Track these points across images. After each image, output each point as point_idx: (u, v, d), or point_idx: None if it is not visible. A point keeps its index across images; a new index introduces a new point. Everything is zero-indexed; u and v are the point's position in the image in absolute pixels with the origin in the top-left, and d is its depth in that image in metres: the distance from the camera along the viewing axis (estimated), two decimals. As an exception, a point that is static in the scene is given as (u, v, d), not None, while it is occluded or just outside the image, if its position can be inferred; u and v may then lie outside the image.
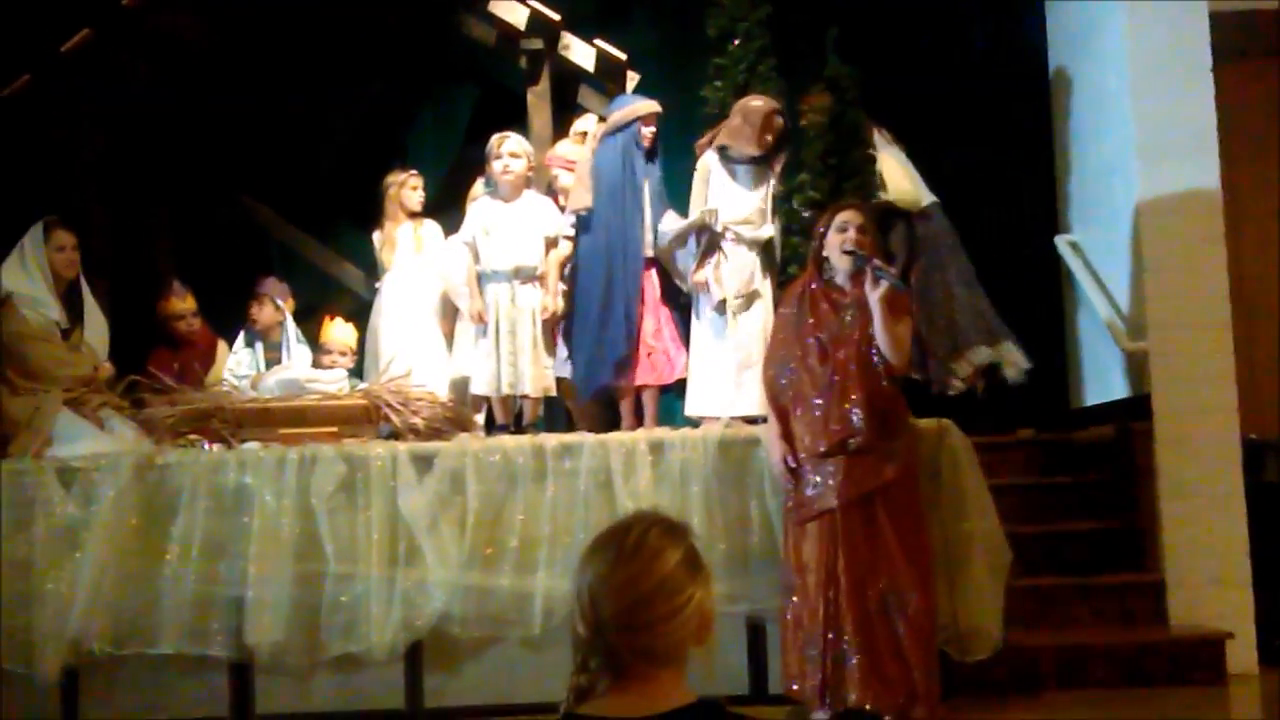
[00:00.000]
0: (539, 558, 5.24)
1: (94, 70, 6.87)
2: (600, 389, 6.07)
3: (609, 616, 2.02)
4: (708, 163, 6.01)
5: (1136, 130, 6.33)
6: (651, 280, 6.11)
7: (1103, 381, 6.90)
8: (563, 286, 6.18)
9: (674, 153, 6.40)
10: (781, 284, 6.17)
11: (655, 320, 6.07)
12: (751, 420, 5.67)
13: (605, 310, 5.94)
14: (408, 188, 6.71)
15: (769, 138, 5.95)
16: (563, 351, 6.19)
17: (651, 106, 6.18)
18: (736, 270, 5.89)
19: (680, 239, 6.03)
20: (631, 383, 6.02)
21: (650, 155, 6.15)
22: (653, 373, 6.06)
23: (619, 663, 2.03)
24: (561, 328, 6.20)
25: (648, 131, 6.12)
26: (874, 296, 4.85)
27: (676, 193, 6.21)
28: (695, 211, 5.97)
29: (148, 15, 6.84)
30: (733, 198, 5.95)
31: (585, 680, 2.06)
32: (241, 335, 6.88)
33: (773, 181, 6.05)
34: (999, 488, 5.47)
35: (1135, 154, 6.34)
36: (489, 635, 5.25)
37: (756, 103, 6.02)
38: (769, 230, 6.02)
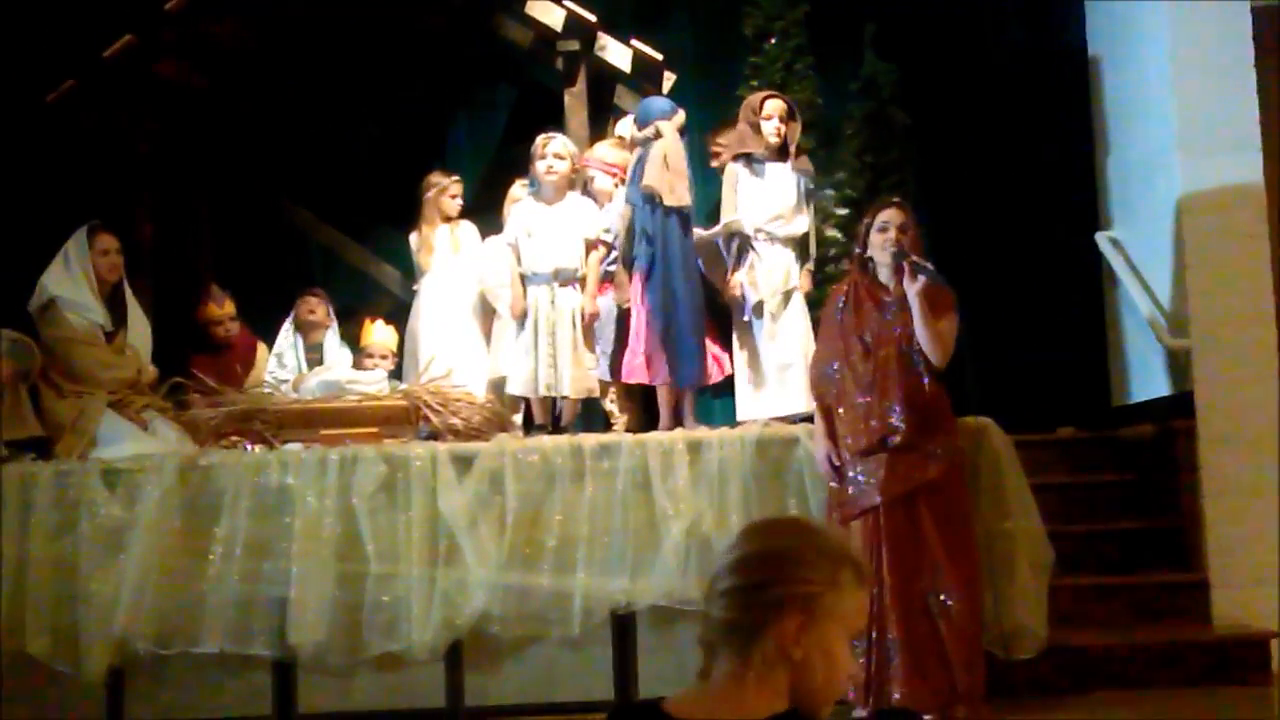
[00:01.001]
0: (578, 557, 5.25)
1: (136, 75, 6.94)
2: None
3: (717, 573, 1.97)
4: (734, 170, 6.01)
5: (1178, 125, 6.28)
6: None
7: (1145, 379, 6.84)
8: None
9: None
10: (819, 282, 6.18)
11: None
12: (793, 420, 5.67)
13: (696, 310, 5.96)
14: (448, 195, 6.74)
15: (774, 124, 5.94)
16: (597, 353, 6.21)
17: None
18: (771, 270, 5.89)
19: (705, 246, 5.98)
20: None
21: None
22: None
23: (711, 638, 1.94)
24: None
25: None
26: (912, 291, 4.85)
27: (715, 195, 6.22)
28: (723, 220, 5.97)
29: (189, 20, 6.90)
30: (763, 199, 5.96)
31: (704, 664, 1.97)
32: (288, 328, 6.88)
33: (800, 174, 6.01)
34: (1040, 486, 5.44)
35: (1177, 149, 6.28)
36: (529, 634, 5.27)
37: (748, 99, 6.12)
38: (803, 224, 6.01)
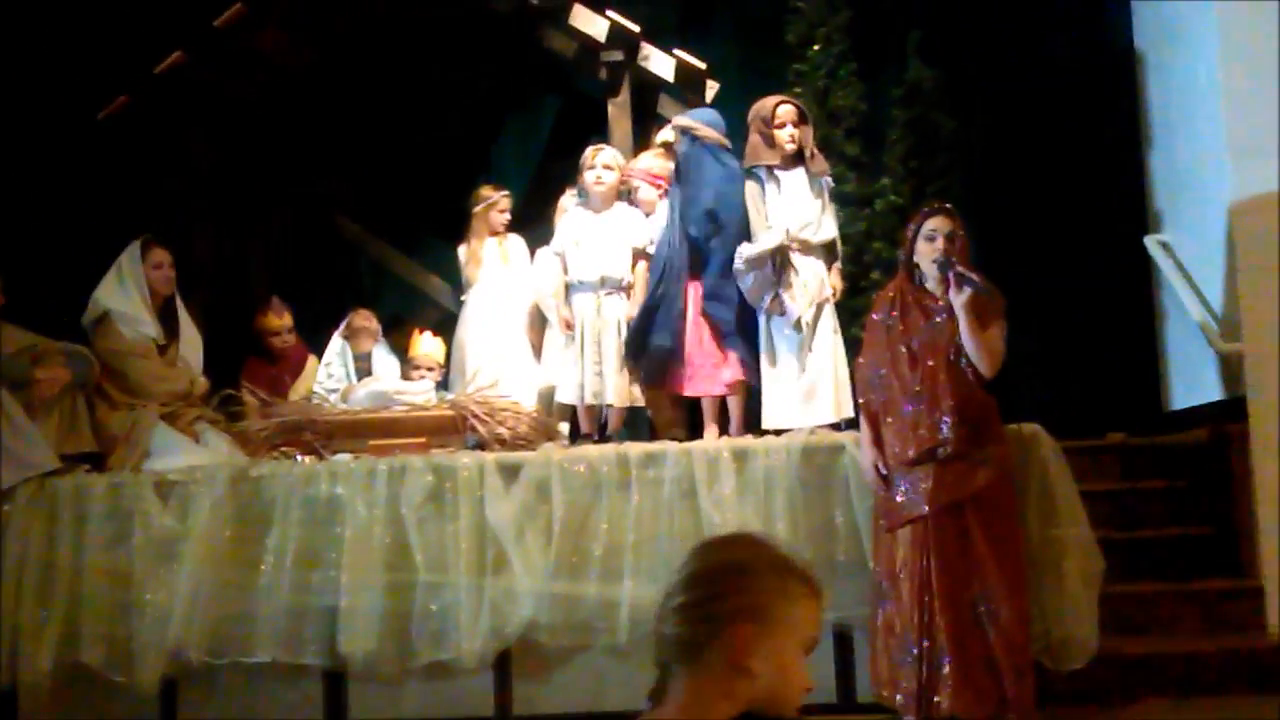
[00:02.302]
0: (624, 565, 5.25)
1: (187, 90, 7.03)
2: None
3: (668, 591, 1.99)
4: (754, 187, 5.96)
5: (1227, 126, 6.20)
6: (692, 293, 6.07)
7: (1195, 384, 6.77)
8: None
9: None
10: (862, 289, 6.14)
11: (697, 332, 6.04)
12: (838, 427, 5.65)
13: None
14: (496, 210, 6.79)
15: (789, 131, 5.91)
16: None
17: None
18: (807, 282, 5.85)
19: (757, 264, 5.88)
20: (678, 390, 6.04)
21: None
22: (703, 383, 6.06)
23: (665, 656, 1.96)
24: None
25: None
26: (958, 302, 4.80)
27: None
28: (756, 234, 5.91)
29: (237, 36, 6.99)
30: (790, 209, 5.91)
31: (658, 684, 1.98)
32: (336, 340, 6.94)
33: (818, 176, 5.99)
34: (1090, 493, 5.40)
35: (1226, 150, 6.20)
36: (576, 643, 5.27)
37: (757, 106, 6.04)
38: (831, 228, 5.97)
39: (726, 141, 6.16)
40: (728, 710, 1.91)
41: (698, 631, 1.92)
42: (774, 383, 5.87)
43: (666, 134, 6.84)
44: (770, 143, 5.94)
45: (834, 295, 5.96)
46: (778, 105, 5.99)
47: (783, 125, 5.93)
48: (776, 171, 5.96)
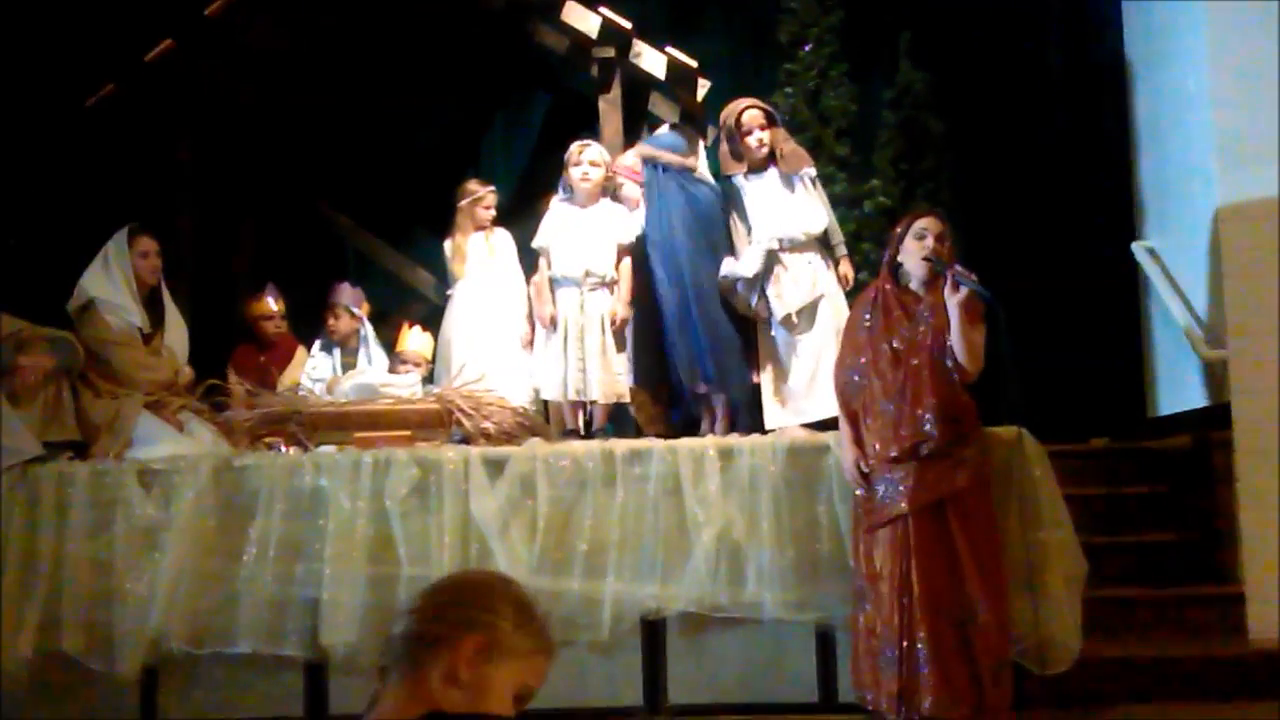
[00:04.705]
0: (608, 562, 5.25)
1: (177, 79, 7.01)
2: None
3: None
4: (736, 191, 6.00)
5: (1215, 132, 6.22)
6: None
7: (1180, 390, 6.79)
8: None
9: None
10: (850, 290, 6.14)
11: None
12: (824, 425, 5.65)
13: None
14: (482, 205, 6.79)
15: (755, 137, 5.92)
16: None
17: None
18: (796, 280, 5.86)
19: (747, 278, 5.94)
20: None
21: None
22: None
23: (389, 659, 2.00)
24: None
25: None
26: (953, 301, 4.80)
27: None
28: (742, 242, 5.96)
29: (228, 26, 6.97)
30: (774, 210, 5.92)
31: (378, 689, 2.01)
32: (319, 341, 6.97)
33: (794, 173, 5.98)
34: (1073, 497, 5.39)
35: (1214, 158, 6.22)
36: (559, 638, 5.19)
37: (723, 116, 6.08)
38: (820, 220, 5.98)
39: (691, 162, 6.19)
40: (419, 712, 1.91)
41: (428, 631, 1.95)
42: (771, 382, 5.89)
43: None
44: (738, 153, 5.97)
45: (847, 284, 5.97)
46: (742, 113, 6.01)
47: (749, 132, 5.96)
48: (750, 177, 5.98)
